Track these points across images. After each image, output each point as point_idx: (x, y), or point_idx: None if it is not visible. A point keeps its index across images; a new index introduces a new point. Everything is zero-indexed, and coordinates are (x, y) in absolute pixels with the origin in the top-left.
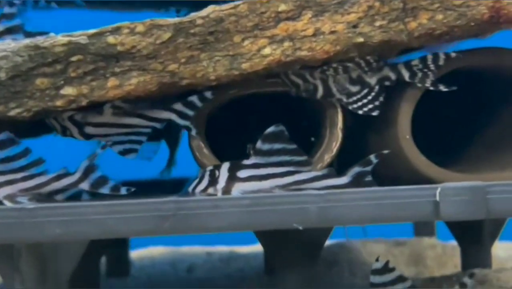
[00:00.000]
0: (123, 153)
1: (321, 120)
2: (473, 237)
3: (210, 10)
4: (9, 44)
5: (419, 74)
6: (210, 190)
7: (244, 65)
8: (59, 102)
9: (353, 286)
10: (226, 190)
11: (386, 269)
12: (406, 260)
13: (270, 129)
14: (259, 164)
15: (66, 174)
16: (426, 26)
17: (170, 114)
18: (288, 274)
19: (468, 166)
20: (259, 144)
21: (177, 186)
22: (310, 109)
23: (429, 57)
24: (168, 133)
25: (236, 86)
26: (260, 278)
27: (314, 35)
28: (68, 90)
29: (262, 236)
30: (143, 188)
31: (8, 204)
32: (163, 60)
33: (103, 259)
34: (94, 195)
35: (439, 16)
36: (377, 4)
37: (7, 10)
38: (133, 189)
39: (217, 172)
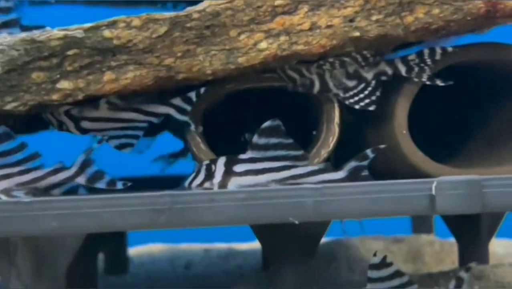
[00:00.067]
0: (119, 147)
1: (318, 115)
2: (471, 233)
3: (206, 4)
4: (5, 38)
5: (416, 69)
6: (207, 184)
7: (241, 60)
8: (55, 96)
9: (351, 282)
10: (223, 184)
11: (383, 264)
12: (404, 257)
13: (267, 123)
14: (256, 158)
15: (63, 168)
16: (422, 21)
17: (169, 109)
18: (285, 270)
19: (465, 161)
20: (255, 138)
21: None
22: (307, 104)
23: (426, 52)
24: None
25: (232, 81)
26: (258, 274)
27: (310, 29)
28: (64, 84)
29: (260, 232)
30: (143, 186)
31: (4, 198)
32: (159, 54)
33: (102, 256)
34: (90, 190)
35: (436, 10)
36: None
37: (3, 4)
38: (129, 184)
39: (213, 166)
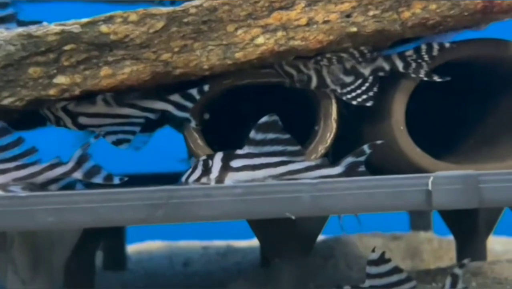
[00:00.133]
0: (116, 143)
1: (315, 111)
2: (469, 230)
3: None
4: (2, 33)
5: (413, 65)
6: (204, 180)
7: (238, 55)
8: (52, 91)
9: (349, 279)
10: (220, 180)
11: (382, 260)
12: (403, 254)
13: (264, 119)
14: (253, 153)
15: (59, 164)
16: (419, 16)
17: (167, 105)
18: (283, 266)
19: (462, 157)
20: (252, 134)
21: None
22: (305, 100)
23: (423, 47)
24: None
25: (230, 77)
26: (256, 271)
27: (307, 24)
28: (61, 79)
29: (258, 229)
30: (143, 183)
31: (0, 192)
32: (156, 49)
33: (100, 253)
34: (87, 186)
35: (433, 6)
36: None
37: None
38: (126, 179)
39: (210, 162)
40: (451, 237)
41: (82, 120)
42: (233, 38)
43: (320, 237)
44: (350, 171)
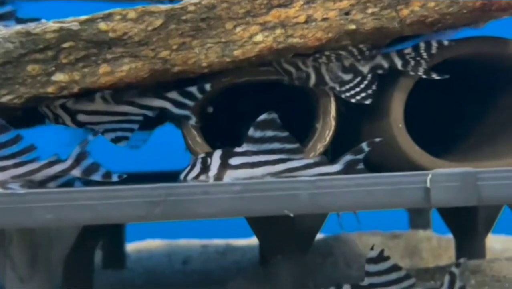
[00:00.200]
0: (115, 140)
1: (314, 109)
2: (467, 228)
3: None
4: (0, 30)
5: (412, 63)
6: (202, 177)
7: (236, 52)
8: (50, 89)
9: (348, 277)
10: (218, 177)
11: (381, 258)
12: (402, 253)
13: (262, 116)
14: (251, 151)
15: (58, 161)
16: (418, 14)
17: (165, 103)
18: (281, 264)
19: (461, 155)
20: (251, 132)
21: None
22: (303, 98)
23: (422, 45)
24: None
25: (229, 75)
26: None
27: (306, 22)
28: (60, 77)
29: (256, 226)
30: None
31: None
32: (155, 47)
33: (100, 252)
34: (86, 183)
35: (431, 4)
36: None
37: None
38: (125, 176)
39: (209, 159)
40: (450, 236)
41: (81, 118)
42: (232, 36)
43: (320, 236)
44: (348, 169)
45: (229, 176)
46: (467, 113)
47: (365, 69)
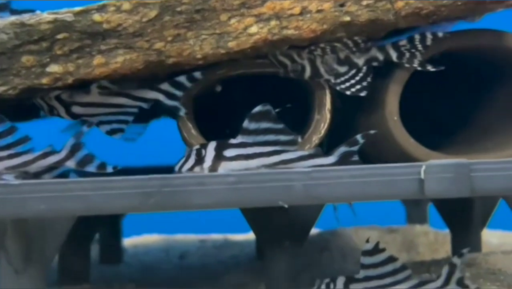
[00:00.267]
0: (110, 132)
1: (310, 101)
2: (464, 222)
3: None
4: None
5: (407, 55)
6: (197, 169)
7: (231, 44)
8: (45, 80)
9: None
10: (213, 169)
11: (376, 250)
12: (399, 247)
13: (257, 108)
14: (246, 143)
15: (52, 152)
16: (413, 5)
17: (158, 94)
18: (277, 258)
19: (456, 148)
20: (246, 123)
21: None
22: (299, 91)
23: (417, 37)
24: None
25: (224, 67)
26: (253, 264)
27: (301, 13)
28: (54, 68)
29: (251, 219)
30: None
31: None
32: (150, 38)
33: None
34: (81, 175)
35: None
36: None
37: None
38: (119, 167)
39: (203, 151)
40: (447, 230)
41: (76, 109)
42: (226, 27)
43: (316, 230)
44: (343, 161)
45: (224, 167)
46: (463, 106)
47: (360, 61)
